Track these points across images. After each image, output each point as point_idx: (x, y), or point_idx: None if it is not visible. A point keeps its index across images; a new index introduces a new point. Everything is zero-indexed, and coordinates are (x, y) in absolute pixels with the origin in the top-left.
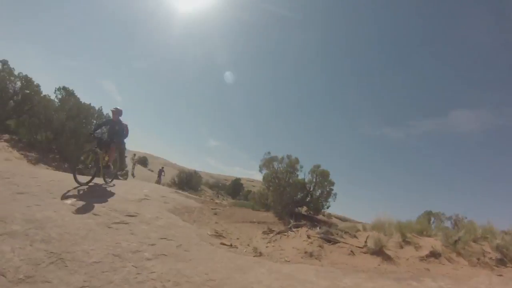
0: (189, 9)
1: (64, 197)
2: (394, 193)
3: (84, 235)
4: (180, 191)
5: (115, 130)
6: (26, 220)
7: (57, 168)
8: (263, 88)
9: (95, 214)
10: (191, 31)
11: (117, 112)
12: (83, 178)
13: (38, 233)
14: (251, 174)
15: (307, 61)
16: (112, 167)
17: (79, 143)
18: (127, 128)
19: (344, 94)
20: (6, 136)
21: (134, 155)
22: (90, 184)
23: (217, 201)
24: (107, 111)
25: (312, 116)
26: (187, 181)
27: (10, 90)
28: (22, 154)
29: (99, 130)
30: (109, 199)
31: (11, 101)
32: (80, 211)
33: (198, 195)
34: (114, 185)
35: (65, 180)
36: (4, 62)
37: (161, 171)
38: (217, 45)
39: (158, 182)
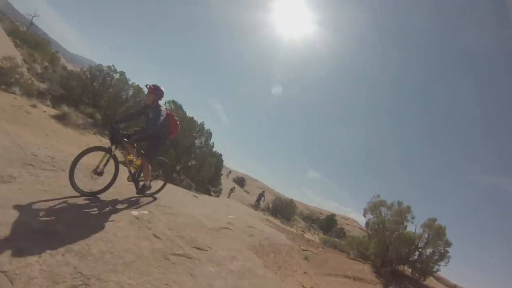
0: (293, 37)
1: (136, 205)
2: None
3: (130, 261)
4: (272, 219)
5: (148, 120)
6: (73, 221)
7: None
8: (373, 128)
9: (156, 236)
10: (296, 59)
11: (154, 91)
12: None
13: (79, 243)
14: (347, 211)
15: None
16: (147, 180)
17: (178, 153)
18: (161, 113)
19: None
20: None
21: (230, 172)
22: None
23: (309, 237)
24: (211, 126)
25: (420, 160)
26: (282, 209)
27: (123, 96)
28: (122, 153)
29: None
30: (182, 220)
31: (124, 105)
32: (140, 227)
33: (290, 225)
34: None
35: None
36: (122, 73)
37: (261, 196)
38: (322, 77)
39: (256, 206)
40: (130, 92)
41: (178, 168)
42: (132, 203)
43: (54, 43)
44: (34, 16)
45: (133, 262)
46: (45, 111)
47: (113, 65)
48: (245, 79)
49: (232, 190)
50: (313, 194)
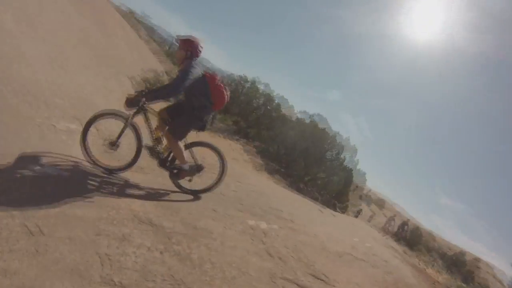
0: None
1: (253, 213)
2: None
3: (230, 277)
4: (395, 245)
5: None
6: (182, 219)
7: (278, 181)
8: None
9: (268, 254)
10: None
11: (183, 45)
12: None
13: (182, 243)
14: (492, 256)
15: None
16: (183, 163)
17: (308, 163)
18: (190, 73)
19: None
20: (243, 141)
21: (357, 186)
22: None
23: (432, 273)
24: (355, 142)
25: None
26: (408, 235)
27: (255, 104)
28: (250, 158)
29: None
30: (302, 238)
31: (254, 113)
32: (252, 240)
33: (413, 255)
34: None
35: (271, 196)
36: (253, 82)
37: (391, 220)
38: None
39: (385, 229)
40: (261, 101)
41: (306, 179)
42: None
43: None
44: (176, 36)
45: (234, 278)
46: None
47: (244, 74)
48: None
49: (359, 212)
50: (442, 224)
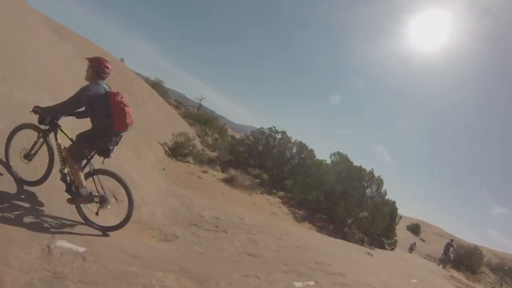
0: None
1: (299, 273)
2: None
3: None
4: (455, 273)
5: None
6: None
7: (321, 229)
8: None
9: None
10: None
11: (90, 63)
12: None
13: None
14: None
15: None
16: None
17: (348, 205)
18: (88, 89)
19: None
20: (281, 194)
21: (400, 217)
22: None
23: None
24: (380, 173)
25: None
26: (465, 259)
27: (288, 155)
28: (290, 210)
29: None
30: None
31: (289, 163)
32: None
33: (477, 280)
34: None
35: (316, 249)
36: (283, 132)
37: (449, 246)
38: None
39: (444, 260)
40: (294, 150)
41: (349, 221)
42: None
43: (221, 117)
44: (201, 99)
45: None
46: (214, 175)
47: (274, 126)
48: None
49: (413, 246)
50: (500, 236)
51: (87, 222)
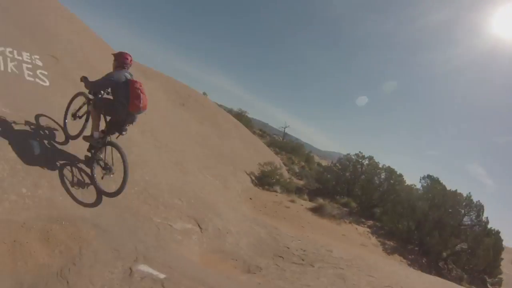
0: None
1: None
2: None
3: None
4: None
5: None
6: None
7: (413, 262)
8: None
9: None
10: None
11: (115, 57)
12: None
13: None
14: None
15: None
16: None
17: (444, 235)
18: (111, 75)
19: None
20: (370, 223)
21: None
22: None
23: None
24: (478, 197)
25: None
26: None
27: (376, 181)
28: (379, 241)
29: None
30: None
31: (377, 190)
32: None
33: None
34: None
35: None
36: (370, 158)
37: None
38: None
39: None
40: (382, 176)
41: (444, 254)
42: None
43: (306, 145)
44: (285, 127)
45: None
46: (302, 205)
47: (360, 151)
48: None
49: None
50: None
51: (93, 181)
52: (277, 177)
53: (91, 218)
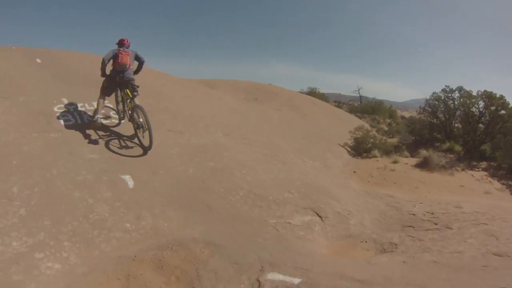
0: None
1: None
2: None
3: None
4: None
5: None
6: None
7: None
8: None
9: None
10: None
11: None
12: None
13: None
14: None
15: None
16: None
17: None
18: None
19: None
20: (484, 164)
21: None
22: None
23: None
24: None
25: None
26: None
27: (476, 113)
28: (503, 184)
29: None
30: None
31: (480, 124)
32: None
33: None
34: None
35: None
36: (461, 88)
37: None
38: None
39: None
40: (481, 104)
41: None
42: None
43: (385, 101)
44: (359, 89)
45: None
46: (406, 163)
47: (446, 85)
48: None
49: None
50: None
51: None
52: (371, 140)
53: (201, 237)
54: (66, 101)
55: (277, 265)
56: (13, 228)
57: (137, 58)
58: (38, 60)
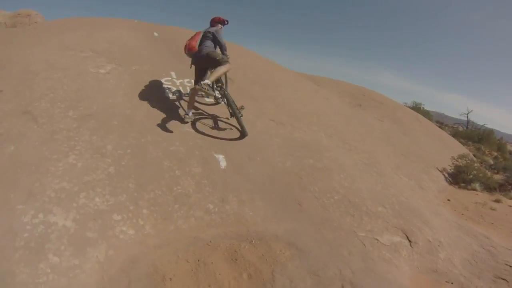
0: None
1: None
2: None
3: None
4: None
5: None
6: None
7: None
8: None
9: None
10: None
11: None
12: None
13: None
14: None
15: None
16: None
17: None
18: None
19: None
20: None
21: None
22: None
23: None
24: None
25: None
26: None
27: None
28: None
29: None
30: None
31: None
32: None
33: None
34: None
35: None
36: None
37: None
38: None
39: None
40: None
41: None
42: None
43: (495, 131)
44: (468, 113)
45: None
46: (510, 206)
47: None
48: None
49: None
50: None
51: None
52: (475, 172)
53: (285, 236)
54: (174, 75)
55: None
56: (99, 183)
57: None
58: (156, 34)
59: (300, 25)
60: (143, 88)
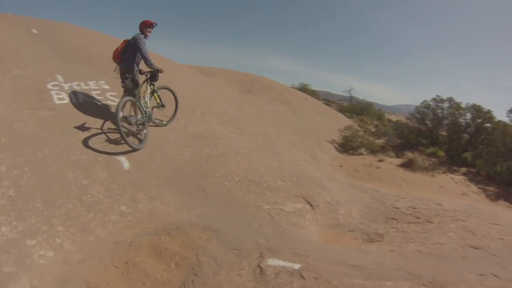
0: None
1: None
2: None
3: None
4: None
5: None
6: None
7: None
8: None
9: None
10: None
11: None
12: None
13: None
14: None
15: None
16: None
17: None
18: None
19: None
20: (464, 170)
21: None
22: None
23: None
24: None
25: None
26: None
27: (462, 123)
28: (479, 188)
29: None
30: None
31: (465, 134)
32: None
33: None
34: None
35: None
36: (450, 99)
37: None
38: None
39: None
40: (468, 116)
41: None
42: None
43: (374, 103)
44: (350, 90)
45: None
46: (391, 162)
47: (437, 95)
48: None
49: None
50: None
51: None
52: (360, 139)
53: (198, 221)
54: (61, 79)
55: (276, 251)
56: (2, 211)
57: None
58: (34, 31)
59: (185, 13)
60: (28, 96)
